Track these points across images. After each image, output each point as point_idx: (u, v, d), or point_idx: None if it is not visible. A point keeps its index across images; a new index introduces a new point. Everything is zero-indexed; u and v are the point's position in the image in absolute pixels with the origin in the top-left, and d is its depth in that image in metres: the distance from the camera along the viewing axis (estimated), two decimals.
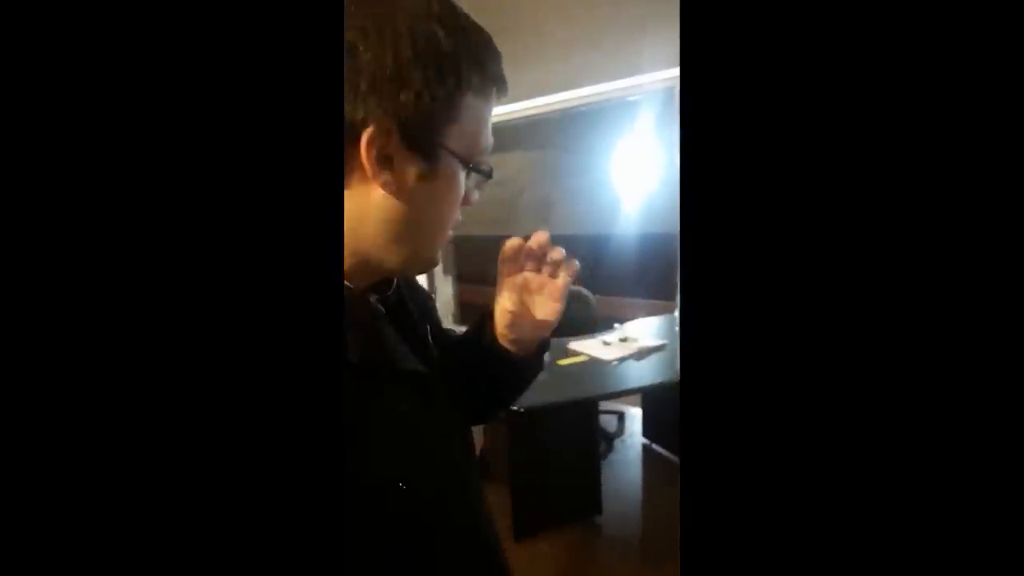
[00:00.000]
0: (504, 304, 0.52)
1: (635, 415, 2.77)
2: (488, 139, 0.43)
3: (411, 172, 0.39)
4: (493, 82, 0.42)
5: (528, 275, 0.52)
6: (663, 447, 2.48)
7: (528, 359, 0.55)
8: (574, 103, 3.08)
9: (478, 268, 3.53)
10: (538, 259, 0.51)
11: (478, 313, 0.57)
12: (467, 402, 0.54)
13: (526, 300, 0.52)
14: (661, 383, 1.76)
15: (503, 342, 0.54)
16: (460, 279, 3.53)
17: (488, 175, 0.44)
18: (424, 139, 0.38)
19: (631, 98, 2.99)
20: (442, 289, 3.43)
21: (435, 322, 0.57)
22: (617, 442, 2.64)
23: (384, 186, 0.38)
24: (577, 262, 0.52)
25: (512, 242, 0.51)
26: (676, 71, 2.69)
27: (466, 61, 0.39)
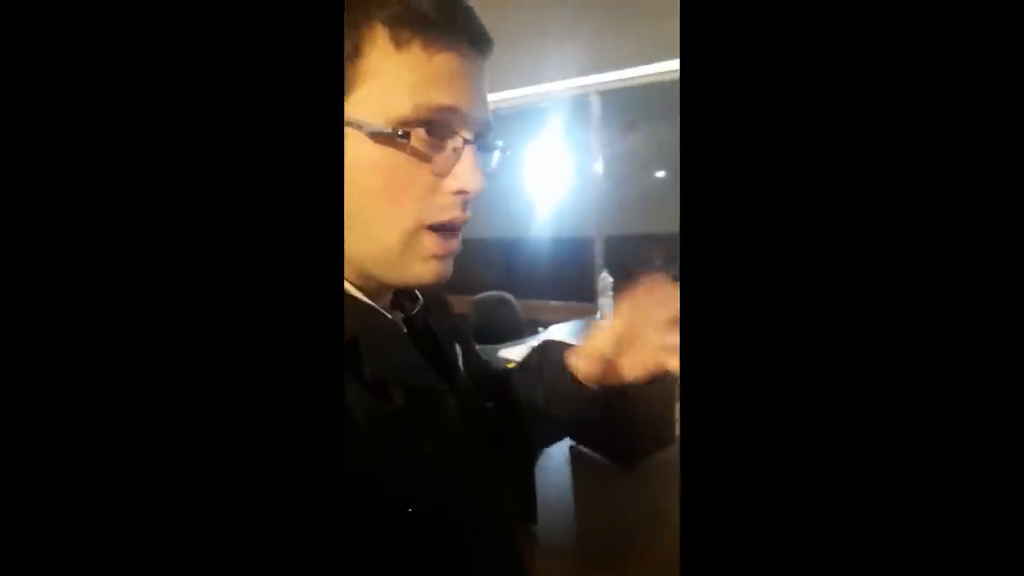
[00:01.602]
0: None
1: None
2: (428, 97, 0.37)
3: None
4: (408, 26, 0.36)
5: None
6: (590, 448, 2.51)
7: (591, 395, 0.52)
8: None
9: None
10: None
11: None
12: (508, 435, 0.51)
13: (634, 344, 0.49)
14: None
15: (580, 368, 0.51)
16: None
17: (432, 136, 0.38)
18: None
19: (540, 105, 3.03)
20: None
21: (467, 346, 0.54)
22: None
23: None
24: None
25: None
26: (583, 80, 2.76)
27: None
